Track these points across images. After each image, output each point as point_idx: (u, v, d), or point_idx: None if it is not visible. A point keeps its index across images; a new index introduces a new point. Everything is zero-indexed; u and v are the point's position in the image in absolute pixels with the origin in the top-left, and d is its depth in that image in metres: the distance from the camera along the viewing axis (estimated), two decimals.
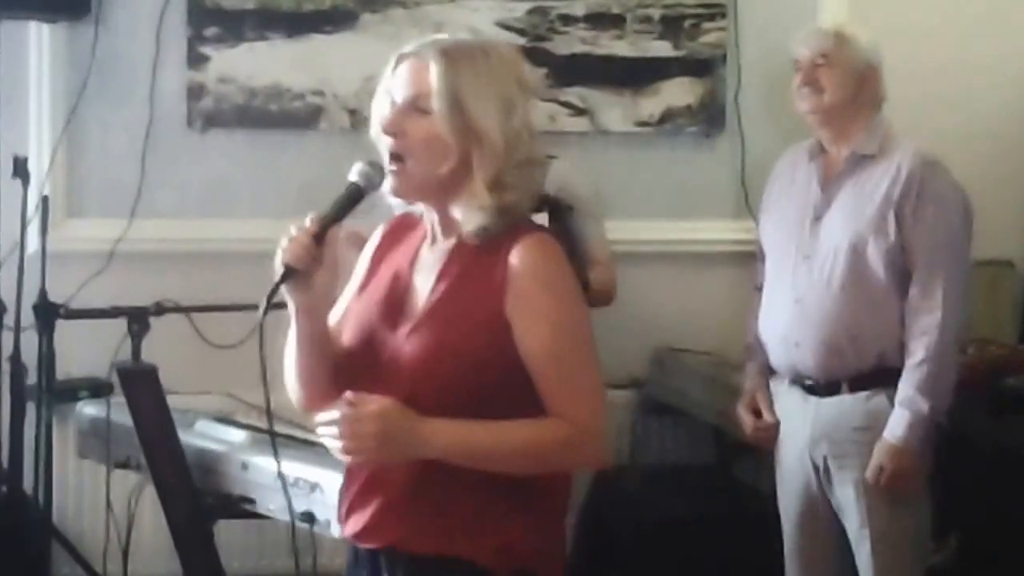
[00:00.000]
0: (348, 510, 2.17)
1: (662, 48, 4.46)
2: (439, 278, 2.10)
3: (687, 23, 4.47)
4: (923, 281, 3.11)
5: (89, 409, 3.57)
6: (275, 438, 2.18)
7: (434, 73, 2.03)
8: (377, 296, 2.16)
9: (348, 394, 2.02)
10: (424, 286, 2.12)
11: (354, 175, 2.11)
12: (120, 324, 3.40)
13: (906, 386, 3.09)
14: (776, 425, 3.33)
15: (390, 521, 2.10)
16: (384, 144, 2.08)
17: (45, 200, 3.90)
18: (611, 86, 4.42)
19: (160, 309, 3.46)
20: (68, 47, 4.18)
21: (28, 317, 3.76)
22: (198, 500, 3.21)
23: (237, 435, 3.31)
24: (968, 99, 4.54)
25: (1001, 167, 4.47)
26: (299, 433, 3.28)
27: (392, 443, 2.00)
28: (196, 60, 4.23)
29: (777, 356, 3.29)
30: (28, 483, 3.80)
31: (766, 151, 4.24)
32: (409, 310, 2.12)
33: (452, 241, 2.11)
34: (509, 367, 2.04)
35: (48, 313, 3.67)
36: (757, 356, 3.39)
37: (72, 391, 3.84)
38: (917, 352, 3.09)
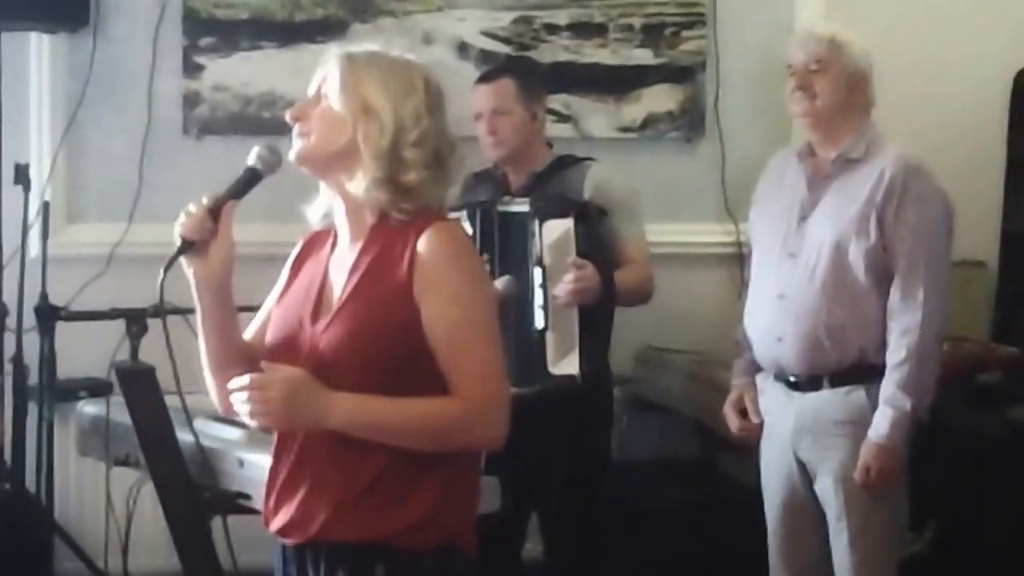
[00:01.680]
0: (275, 507, 2.19)
1: (643, 56, 4.48)
2: (351, 272, 2.15)
3: (667, 31, 4.50)
4: (905, 282, 3.12)
5: (89, 408, 3.52)
6: (188, 413, 2.35)
7: (334, 65, 2.16)
8: (296, 300, 2.21)
9: (263, 364, 2.11)
10: (339, 280, 2.17)
11: (251, 159, 2.23)
12: (119, 326, 3.37)
13: (889, 385, 3.10)
14: (761, 425, 3.34)
15: (311, 513, 2.12)
16: (294, 133, 2.19)
17: (46, 206, 3.91)
18: (594, 93, 4.44)
19: (158, 311, 3.45)
20: (68, 57, 4.19)
21: (30, 319, 3.76)
22: (196, 496, 3.18)
23: (233, 433, 3.30)
24: (942, 100, 4.56)
25: (974, 170, 4.49)
26: None
27: (295, 409, 2.04)
28: (191, 69, 4.24)
29: (761, 351, 3.31)
30: (30, 480, 3.80)
31: (746, 155, 4.28)
32: (326, 305, 2.17)
33: (363, 238, 2.16)
34: (420, 349, 2.08)
35: (49, 315, 3.68)
36: (745, 354, 3.40)
37: (72, 391, 3.84)
38: (899, 351, 3.09)
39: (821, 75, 3.22)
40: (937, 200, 3.18)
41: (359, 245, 2.16)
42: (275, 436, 2.22)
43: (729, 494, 3.95)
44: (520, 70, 3.88)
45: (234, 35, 4.27)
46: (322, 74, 2.18)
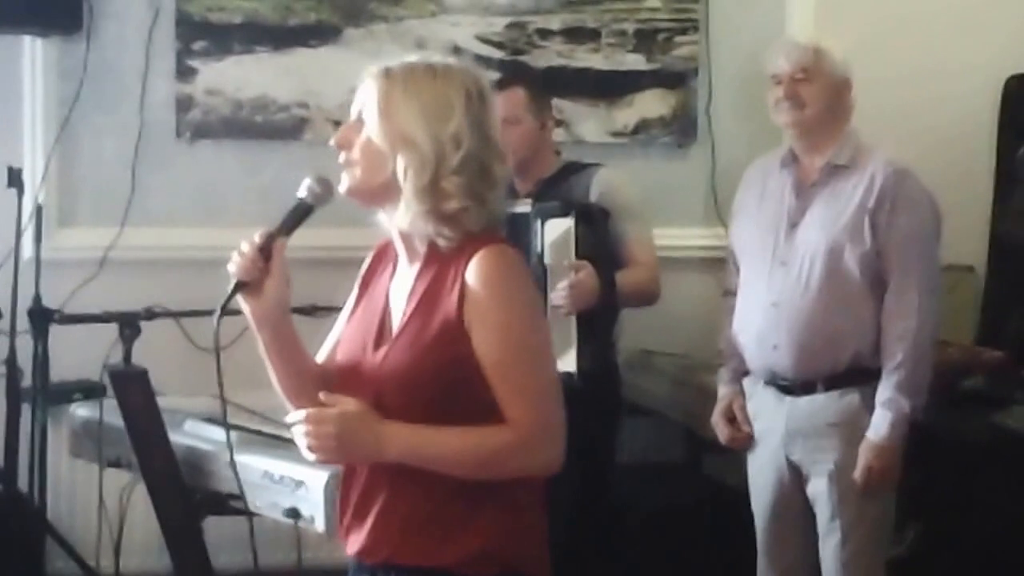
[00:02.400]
0: (347, 531, 2.20)
1: (636, 61, 4.50)
2: (408, 299, 2.14)
3: (660, 37, 4.52)
4: (899, 286, 3.15)
5: (82, 410, 3.58)
6: (229, 431, 2.33)
7: (371, 87, 2.09)
8: (362, 322, 2.21)
9: (321, 395, 2.08)
10: (398, 307, 2.16)
11: (302, 191, 2.17)
12: (112, 328, 3.41)
13: (887, 388, 3.12)
14: (751, 432, 3.36)
15: (381, 538, 2.13)
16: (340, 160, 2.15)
17: (39, 209, 3.93)
18: (587, 98, 4.47)
19: (150, 314, 3.48)
20: (61, 61, 4.20)
21: (23, 322, 3.77)
22: (187, 497, 3.23)
23: (224, 435, 3.33)
24: (933, 106, 4.57)
25: (962, 175, 4.50)
26: (284, 432, 3.32)
27: (350, 444, 2.04)
28: (184, 73, 4.26)
29: (754, 358, 3.32)
30: (23, 482, 3.81)
31: (737, 160, 4.24)
32: (387, 332, 2.16)
33: (419, 261, 2.15)
34: (473, 378, 2.06)
35: (42, 318, 3.68)
36: (730, 362, 3.41)
37: (66, 393, 3.84)
38: (896, 355, 3.12)
39: (808, 84, 3.25)
40: (927, 204, 3.22)
41: (415, 270, 2.15)
42: (343, 469, 2.22)
43: (716, 497, 3.97)
44: (531, 78, 3.89)
45: (227, 39, 4.28)
46: (361, 95, 2.11)
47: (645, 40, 4.51)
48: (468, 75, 2.13)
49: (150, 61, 4.24)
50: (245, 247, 2.13)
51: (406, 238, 2.15)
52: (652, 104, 4.53)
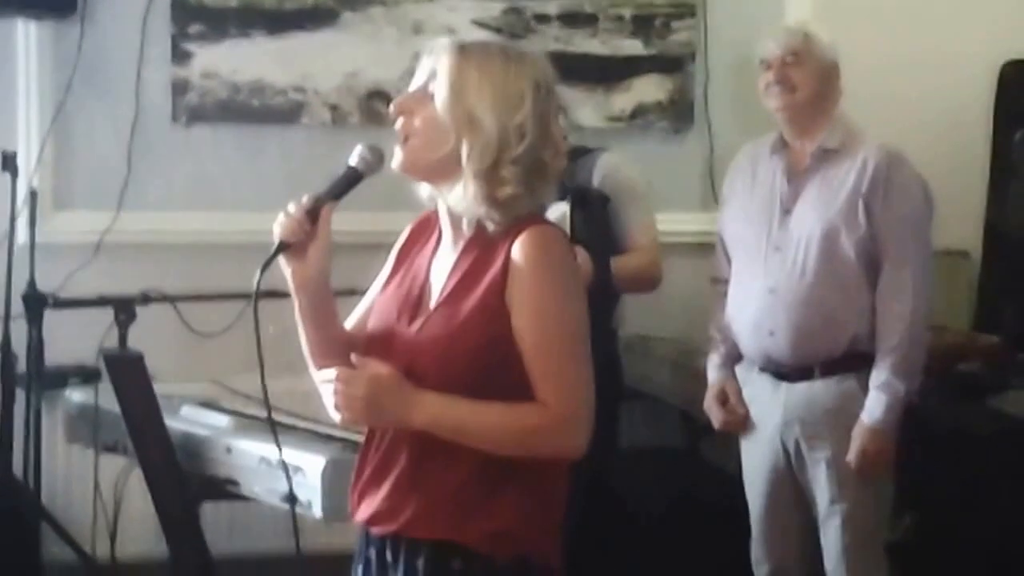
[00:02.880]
0: (359, 497, 2.19)
1: (633, 46, 4.49)
2: (450, 275, 2.13)
3: (657, 22, 4.51)
4: (894, 269, 3.15)
5: (77, 395, 3.57)
6: (272, 419, 2.21)
7: (444, 62, 2.07)
8: (398, 293, 2.19)
9: (353, 357, 2.08)
10: (438, 282, 2.15)
11: (353, 158, 2.15)
12: (107, 313, 3.39)
13: (881, 371, 3.13)
14: (746, 414, 3.36)
15: (396, 507, 2.11)
16: (396, 127, 2.12)
17: (33, 193, 3.90)
18: (584, 83, 4.45)
19: (146, 298, 3.47)
20: (55, 44, 4.18)
21: (17, 307, 3.76)
22: (184, 483, 3.21)
23: (221, 420, 3.32)
24: (928, 92, 4.57)
25: (957, 161, 4.50)
26: (283, 418, 3.31)
27: (378, 407, 2.04)
28: (180, 57, 4.23)
29: (749, 345, 3.32)
30: (18, 468, 3.80)
31: (733, 145, 4.22)
32: (424, 307, 2.15)
33: (464, 238, 2.13)
34: (510, 356, 2.06)
35: (37, 303, 3.66)
36: (720, 348, 3.41)
37: (61, 378, 3.83)
38: (891, 338, 3.13)
39: (798, 67, 3.25)
40: (919, 188, 3.22)
41: (459, 248, 2.13)
42: (364, 435, 2.21)
43: (713, 481, 3.96)
44: None
45: (223, 23, 4.26)
46: (430, 66, 2.08)
47: (642, 25, 4.50)
48: (539, 66, 2.13)
49: (145, 45, 4.22)
50: (292, 209, 2.10)
51: (454, 216, 2.14)
52: (649, 89, 4.52)
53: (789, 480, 3.29)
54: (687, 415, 4.08)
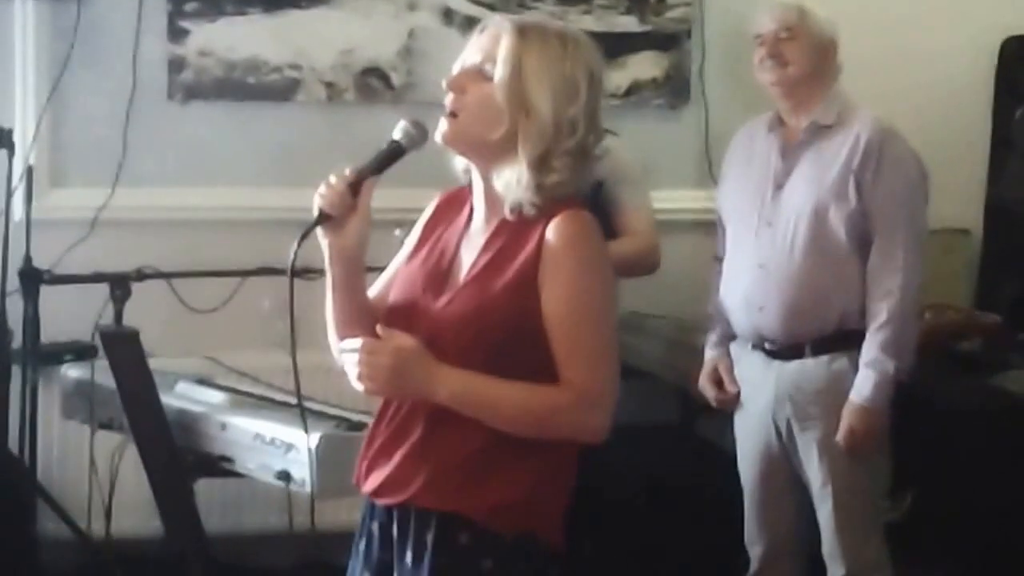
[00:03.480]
0: (368, 467, 2.19)
1: (629, 23, 4.46)
2: (482, 252, 2.12)
3: None
4: (884, 245, 3.13)
5: (73, 372, 3.58)
6: (304, 411, 2.26)
7: (504, 43, 2.06)
8: (424, 266, 2.18)
9: (378, 328, 2.07)
10: (468, 259, 2.14)
11: (397, 133, 2.14)
12: (103, 289, 3.40)
13: (871, 348, 3.11)
14: (738, 394, 3.36)
15: (405, 478, 2.12)
16: (446, 101, 2.10)
17: (30, 170, 3.87)
18: None
19: (141, 275, 3.47)
20: (51, 21, 4.14)
21: (13, 283, 3.74)
22: (178, 459, 3.22)
23: (216, 396, 3.33)
24: (929, 68, 4.55)
25: (958, 138, 4.48)
26: (276, 395, 3.31)
27: (402, 379, 2.03)
28: (176, 34, 4.21)
29: (740, 321, 3.31)
30: (14, 444, 3.78)
31: (729, 122, 4.22)
32: (452, 282, 2.14)
33: (498, 216, 2.12)
34: (536, 335, 2.06)
35: (33, 279, 3.64)
36: (717, 326, 3.40)
37: (57, 354, 3.82)
38: (880, 314, 3.11)
39: (792, 42, 3.24)
40: (912, 163, 3.20)
41: (492, 226, 2.13)
42: (379, 406, 2.21)
43: (708, 458, 3.96)
44: None
45: (219, 0, 4.22)
46: (487, 46, 2.08)
47: (637, 2, 4.46)
48: (593, 54, 2.15)
49: (142, 22, 4.19)
50: (334, 180, 2.09)
51: (490, 195, 2.13)
52: (645, 66, 4.48)
53: (782, 459, 3.28)
54: (683, 392, 4.07)
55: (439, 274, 2.16)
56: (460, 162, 2.17)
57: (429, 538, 2.11)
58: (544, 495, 2.12)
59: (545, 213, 2.07)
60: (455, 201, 2.24)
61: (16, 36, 4.15)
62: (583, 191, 2.15)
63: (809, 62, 3.23)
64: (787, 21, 3.25)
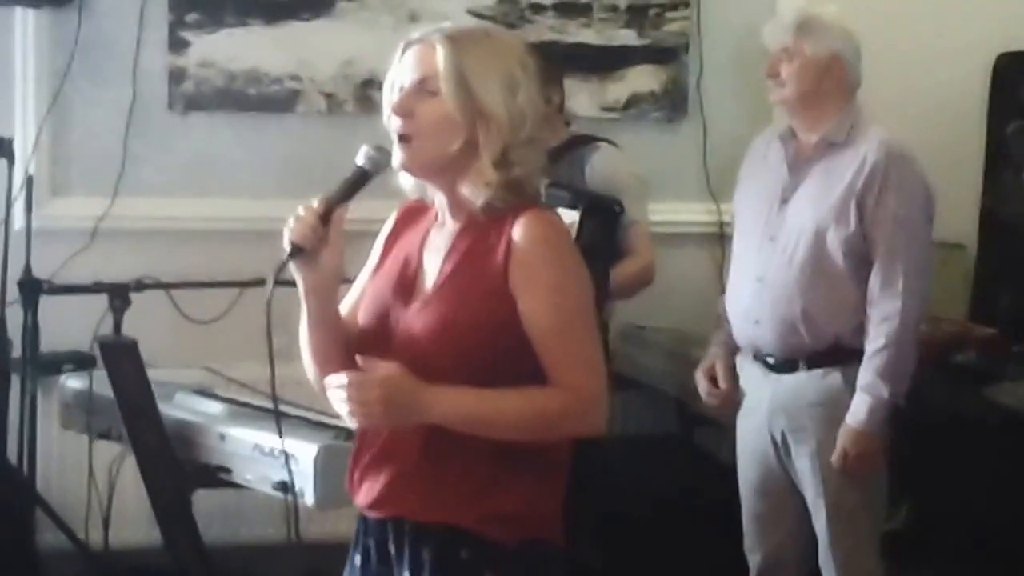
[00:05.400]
0: (360, 481, 2.15)
1: (628, 36, 4.46)
2: (447, 257, 2.09)
3: (651, 12, 4.48)
4: (884, 269, 3.09)
5: (72, 382, 3.54)
6: (279, 412, 2.22)
7: (440, 55, 2.03)
8: (390, 278, 2.15)
9: (359, 360, 2.04)
10: (433, 266, 2.11)
11: (361, 158, 2.10)
12: (102, 299, 3.38)
13: (867, 372, 3.08)
14: (729, 392, 3.33)
15: (400, 492, 2.08)
16: (393, 127, 2.07)
17: (30, 179, 3.87)
18: (579, 72, 4.39)
19: (141, 285, 3.44)
20: (52, 32, 4.13)
21: (13, 292, 3.72)
22: (177, 470, 3.19)
23: (215, 407, 3.30)
24: (923, 82, 4.54)
25: (953, 153, 4.46)
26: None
27: (395, 408, 1.98)
28: (177, 44, 4.20)
29: (740, 332, 3.29)
30: (12, 453, 3.75)
31: (728, 135, 4.27)
32: (419, 289, 2.11)
33: (460, 222, 2.10)
34: (514, 338, 2.02)
35: (32, 288, 3.63)
36: (725, 326, 3.38)
37: (56, 364, 3.80)
38: (878, 339, 3.07)
39: (787, 63, 3.20)
40: (918, 188, 3.15)
41: (456, 229, 2.10)
42: None
43: (707, 470, 3.95)
44: (537, 51, 3.80)
45: (220, 11, 4.22)
46: (421, 63, 2.05)
47: (637, 15, 4.46)
48: (519, 45, 2.13)
49: (143, 33, 4.18)
50: (304, 212, 2.04)
51: (453, 204, 2.10)
52: (643, 79, 4.48)
53: (779, 469, 3.26)
54: (682, 404, 4.06)
55: (406, 284, 2.13)
56: (411, 180, 2.14)
57: (427, 554, 2.08)
58: (543, 500, 2.10)
59: (508, 215, 2.05)
60: (415, 212, 2.21)
61: (17, 45, 4.14)
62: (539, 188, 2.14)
63: (805, 82, 3.17)
64: (783, 41, 3.21)
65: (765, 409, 3.23)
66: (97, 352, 3.35)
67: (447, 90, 2.02)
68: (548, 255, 2.04)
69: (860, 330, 3.11)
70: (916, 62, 4.54)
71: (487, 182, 2.03)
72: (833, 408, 3.11)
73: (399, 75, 2.07)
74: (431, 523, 2.06)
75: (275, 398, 2.13)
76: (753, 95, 3.37)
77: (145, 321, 3.42)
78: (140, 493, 3.32)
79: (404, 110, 2.04)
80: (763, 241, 3.21)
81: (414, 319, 2.07)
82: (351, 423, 2.02)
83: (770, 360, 3.21)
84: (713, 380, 3.37)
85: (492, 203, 2.05)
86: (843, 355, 3.12)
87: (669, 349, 4.12)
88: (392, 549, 2.12)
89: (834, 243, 3.11)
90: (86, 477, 3.58)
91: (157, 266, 3.67)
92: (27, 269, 3.71)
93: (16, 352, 3.76)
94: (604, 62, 4.44)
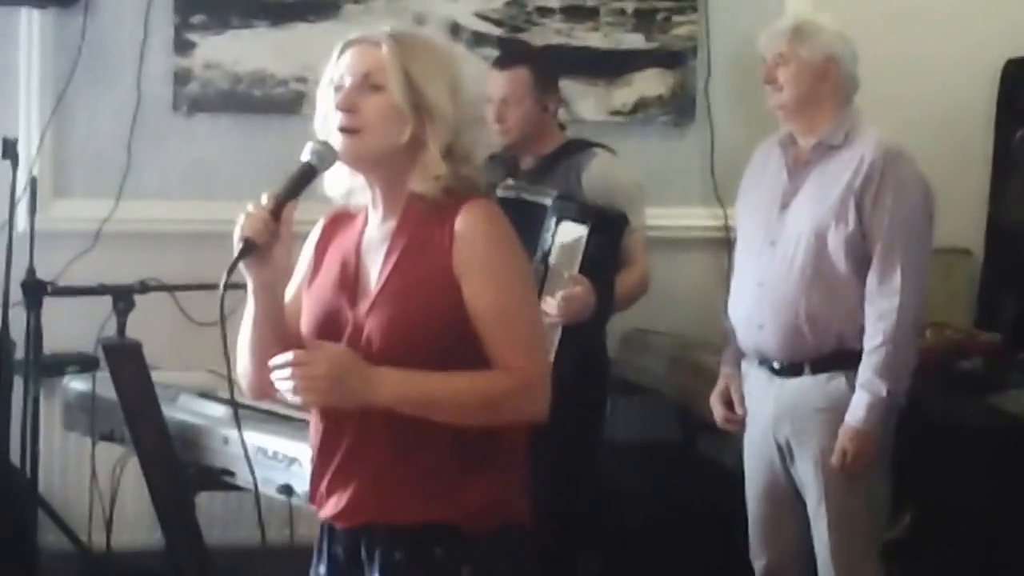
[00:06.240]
0: (327, 493, 2.14)
1: (635, 40, 4.45)
2: (388, 255, 2.11)
3: (659, 16, 4.46)
4: (882, 267, 3.09)
5: (75, 383, 3.54)
6: (237, 409, 2.20)
7: (385, 51, 2.07)
8: (331, 283, 2.16)
9: (305, 338, 2.05)
10: (375, 263, 2.12)
11: (307, 154, 2.11)
12: (106, 301, 3.37)
13: (866, 369, 3.08)
14: (744, 416, 3.33)
15: (372, 496, 2.08)
16: (336, 123, 2.08)
17: (34, 181, 3.86)
18: (586, 76, 4.40)
19: (145, 287, 3.43)
20: (57, 33, 4.13)
21: (16, 294, 3.72)
22: (180, 472, 3.20)
23: (218, 410, 3.29)
24: (931, 89, 4.54)
25: (959, 158, 4.47)
26: (279, 408, 3.26)
27: (342, 386, 1.99)
28: (182, 46, 4.19)
29: (743, 338, 3.29)
30: (15, 455, 3.75)
31: (735, 140, 4.26)
32: (364, 289, 2.12)
33: (396, 218, 2.12)
34: (463, 328, 2.05)
35: (35, 290, 3.61)
36: (732, 343, 3.38)
37: (59, 366, 3.80)
38: (876, 336, 3.08)
39: (784, 68, 3.22)
40: (916, 186, 3.15)
41: (392, 225, 2.12)
42: (319, 429, 2.16)
43: (710, 476, 3.94)
44: (537, 59, 3.80)
45: (225, 13, 4.21)
46: (364, 61, 2.09)
47: (644, 19, 4.45)
48: (454, 55, 2.21)
49: (148, 34, 4.18)
50: (255, 209, 2.06)
51: (388, 195, 2.12)
52: (650, 83, 4.47)
53: (783, 474, 3.26)
54: (685, 409, 4.06)
55: (349, 285, 2.13)
56: (339, 186, 2.16)
57: (399, 556, 2.08)
58: (510, 485, 2.13)
59: (448, 204, 2.08)
60: (342, 218, 2.22)
61: (21, 47, 4.14)
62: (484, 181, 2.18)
63: (802, 86, 3.19)
64: (778, 47, 3.23)
65: (770, 414, 3.23)
66: (101, 354, 3.34)
67: (393, 83, 2.05)
68: (491, 241, 2.07)
69: (863, 332, 3.11)
70: (924, 68, 4.53)
71: (437, 175, 2.06)
72: (837, 413, 3.11)
73: (339, 73, 2.11)
74: (407, 524, 2.07)
75: (233, 396, 2.13)
76: (761, 100, 3.36)
77: (149, 323, 3.42)
78: (143, 495, 3.31)
79: (349, 104, 2.07)
80: (764, 246, 3.22)
81: (364, 319, 2.08)
82: (295, 400, 2.02)
83: (775, 365, 3.21)
84: (729, 404, 3.37)
85: (438, 197, 2.08)
86: (847, 359, 3.12)
87: (673, 354, 4.12)
88: (363, 555, 2.12)
89: (834, 244, 3.11)
90: (88, 479, 3.57)
91: (161, 268, 3.66)
92: (30, 271, 3.70)
93: (19, 354, 3.75)
94: (611, 66, 4.43)
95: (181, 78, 4.20)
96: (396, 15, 4.26)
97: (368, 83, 2.07)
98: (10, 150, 3.81)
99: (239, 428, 2.23)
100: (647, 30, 4.45)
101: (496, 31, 4.35)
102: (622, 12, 4.44)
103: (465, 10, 4.33)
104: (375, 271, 2.11)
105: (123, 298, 3.34)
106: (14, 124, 4.08)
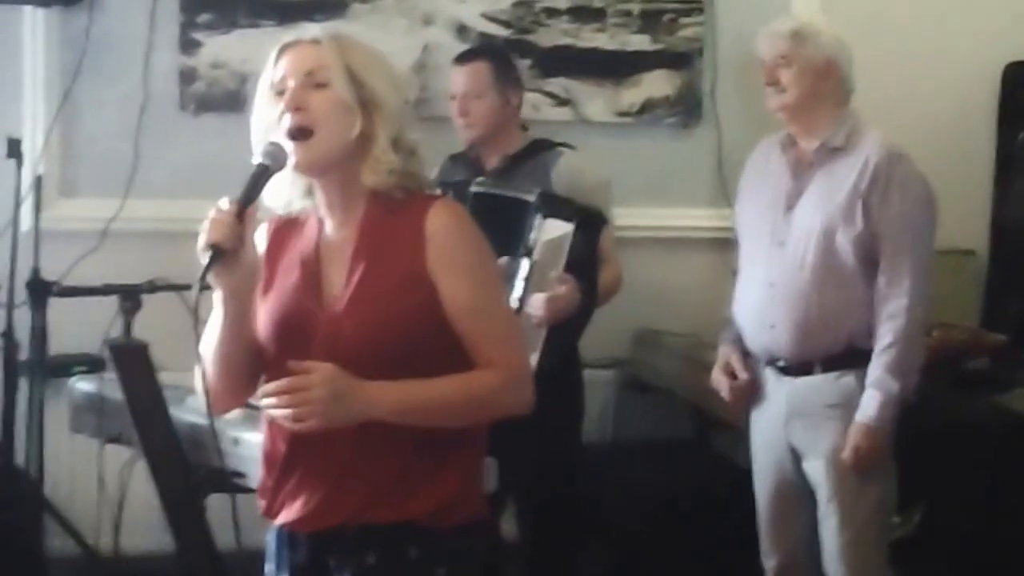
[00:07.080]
0: (282, 503, 2.10)
1: (641, 41, 4.41)
2: (355, 254, 2.06)
3: (665, 18, 4.43)
4: (890, 267, 3.10)
5: (82, 385, 3.46)
6: (212, 420, 2.15)
7: (326, 48, 2.05)
8: (290, 288, 2.10)
9: (291, 363, 1.97)
10: (339, 266, 2.07)
11: (262, 156, 2.06)
12: (112, 301, 3.29)
13: (876, 368, 3.08)
14: (750, 382, 3.29)
15: (340, 501, 2.05)
16: (286, 126, 2.03)
17: (39, 180, 3.82)
18: (593, 77, 4.37)
19: (152, 287, 3.36)
20: (62, 31, 4.06)
21: (21, 294, 3.67)
22: (189, 474, 3.13)
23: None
24: (934, 92, 4.53)
25: (962, 160, 4.46)
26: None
27: (340, 406, 1.95)
28: (189, 45, 4.13)
29: (752, 338, 3.27)
30: (21, 457, 3.71)
31: (741, 141, 4.21)
32: (328, 295, 2.07)
33: (357, 219, 2.08)
34: (439, 328, 2.04)
35: (41, 290, 3.59)
36: (732, 327, 3.36)
37: (65, 367, 3.73)
38: (886, 335, 3.08)
39: (786, 69, 3.22)
40: (920, 186, 3.17)
41: (353, 229, 2.08)
42: (274, 437, 2.11)
43: (723, 474, 3.91)
44: (497, 54, 3.76)
45: (232, 12, 4.14)
46: (306, 60, 2.06)
47: (650, 20, 4.41)
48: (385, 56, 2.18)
49: (154, 33, 4.10)
50: (219, 214, 1.99)
51: (343, 197, 2.08)
52: (657, 84, 4.42)
53: (794, 473, 3.24)
54: (698, 408, 4.02)
55: (311, 289, 2.09)
56: (279, 197, 2.11)
57: (372, 558, 2.04)
58: (472, 481, 2.13)
59: (411, 205, 2.06)
60: (287, 226, 2.16)
61: (27, 45, 4.07)
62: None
63: (805, 86, 3.19)
64: (779, 49, 3.23)
65: (780, 414, 3.22)
66: (107, 355, 3.27)
67: (337, 78, 2.03)
68: (465, 240, 2.07)
69: (873, 330, 3.11)
70: (926, 71, 4.52)
71: (390, 168, 2.04)
72: (848, 411, 3.11)
73: (279, 76, 2.06)
74: (378, 524, 2.03)
75: (208, 403, 2.10)
76: (767, 100, 3.34)
77: (156, 323, 3.31)
78: (151, 498, 3.22)
79: (298, 103, 2.03)
80: (772, 247, 3.21)
81: (335, 324, 2.03)
82: (293, 426, 1.96)
83: (783, 364, 3.19)
84: (731, 375, 3.32)
85: (392, 191, 2.06)
86: (857, 357, 3.12)
87: (685, 354, 4.10)
88: (331, 561, 2.07)
89: (843, 244, 3.11)
90: (96, 482, 3.49)
91: (168, 268, 3.56)
92: (36, 271, 3.66)
93: (25, 354, 3.70)
94: (618, 67, 4.40)
95: (187, 77, 4.13)
96: (404, 14, 4.22)
97: (312, 81, 2.04)
98: (15, 149, 3.77)
99: (213, 431, 2.20)
100: (653, 31, 4.42)
101: (503, 32, 4.30)
102: (628, 14, 4.40)
103: (472, 11, 4.27)
104: (340, 273, 2.07)
105: (130, 298, 3.27)
106: (19, 123, 4.02)
